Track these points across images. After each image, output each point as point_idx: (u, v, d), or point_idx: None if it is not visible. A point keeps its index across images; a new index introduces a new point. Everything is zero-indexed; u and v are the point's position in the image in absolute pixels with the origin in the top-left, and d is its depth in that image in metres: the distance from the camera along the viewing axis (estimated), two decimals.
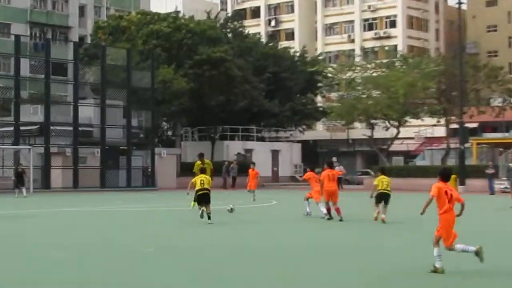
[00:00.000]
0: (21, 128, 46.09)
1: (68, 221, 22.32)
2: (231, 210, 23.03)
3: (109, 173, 48.97)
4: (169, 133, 68.06)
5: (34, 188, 42.46)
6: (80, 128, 48.01)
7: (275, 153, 69.02)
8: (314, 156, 76.59)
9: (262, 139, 70.61)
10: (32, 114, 50.53)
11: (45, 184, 46.36)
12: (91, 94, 54.53)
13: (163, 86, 54.29)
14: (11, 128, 45.75)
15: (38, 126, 48.14)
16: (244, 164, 53.79)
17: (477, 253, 11.35)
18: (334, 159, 51.90)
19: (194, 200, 20.73)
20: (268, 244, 16.02)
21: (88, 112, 49.72)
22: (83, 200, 34.77)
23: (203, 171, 21.43)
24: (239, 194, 39.74)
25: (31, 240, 16.60)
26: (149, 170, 50.78)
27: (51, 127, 46.80)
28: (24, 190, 37.41)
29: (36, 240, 16.75)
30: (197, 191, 20.25)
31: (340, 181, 45.64)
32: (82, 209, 28.43)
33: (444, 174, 11.59)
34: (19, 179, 37.55)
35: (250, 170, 35.29)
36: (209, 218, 20.30)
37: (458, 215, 11.68)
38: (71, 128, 47.37)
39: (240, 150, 65.97)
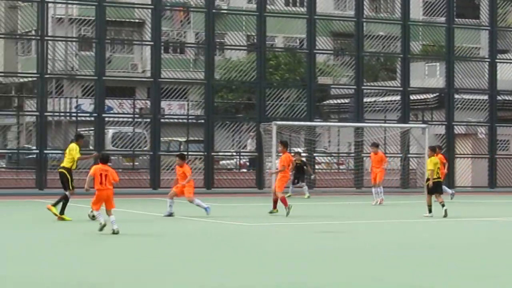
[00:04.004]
0: (411, 97, 41.33)
1: None
2: None
3: None
4: None
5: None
6: (499, 97, 42.15)
7: None
8: None
9: None
10: (428, 76, 46.53)
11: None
12: None
13: None
14: (397, 98, 40.86)
15: (436, 95, 43.44)
16: None
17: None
18: None
19: None
20: None
21: (510, 74, 44.26)
22: None
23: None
24: None
25: None
26: None
27: (455, 96, 41.22)
28: (306, 188, 33.39)
29: None
30: None
31: None
32: None
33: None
34: (298, 173, 33.31)
35: None
36: None
37: None
38: (484, 97, 41.85)
39: None
